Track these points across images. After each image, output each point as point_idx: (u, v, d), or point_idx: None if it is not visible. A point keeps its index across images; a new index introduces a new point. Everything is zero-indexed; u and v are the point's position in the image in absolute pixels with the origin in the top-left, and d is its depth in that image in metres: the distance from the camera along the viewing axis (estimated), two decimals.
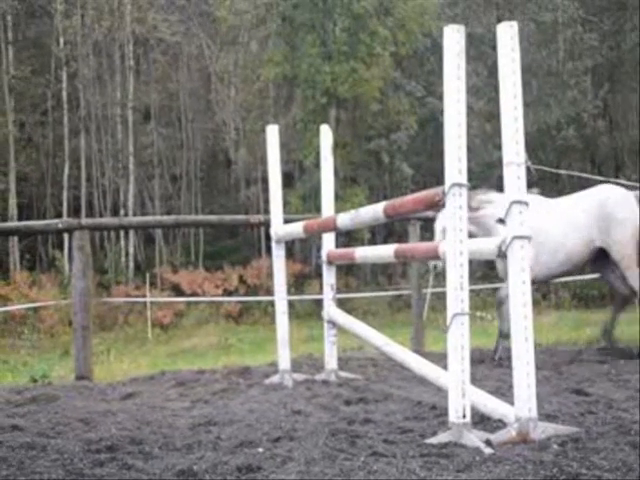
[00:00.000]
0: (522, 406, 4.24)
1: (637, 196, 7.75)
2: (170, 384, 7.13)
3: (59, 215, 25.11)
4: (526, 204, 4.40)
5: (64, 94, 27.84)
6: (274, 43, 26.41)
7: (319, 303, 11.25)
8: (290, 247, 12.62)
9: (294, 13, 24.94)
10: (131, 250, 26.84)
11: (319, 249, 7.67)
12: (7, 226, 11.74)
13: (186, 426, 5.05)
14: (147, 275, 22.28)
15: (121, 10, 27.86)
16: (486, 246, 4.74)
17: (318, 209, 7.85)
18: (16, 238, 25.25)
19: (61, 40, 27.82)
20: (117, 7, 27.90)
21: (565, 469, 3.53)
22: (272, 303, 9.00)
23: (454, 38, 4.43)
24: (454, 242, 4.39)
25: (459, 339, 4.32)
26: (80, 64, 27.82)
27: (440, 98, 5.21)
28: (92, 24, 27.60)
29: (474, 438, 4.17)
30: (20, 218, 25.30)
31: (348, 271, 23.18)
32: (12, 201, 26.34)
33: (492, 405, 4.59)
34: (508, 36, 4.39)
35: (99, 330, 16.43)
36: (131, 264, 26.45)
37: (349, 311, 7.76)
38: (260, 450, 4.28)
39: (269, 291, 17.84)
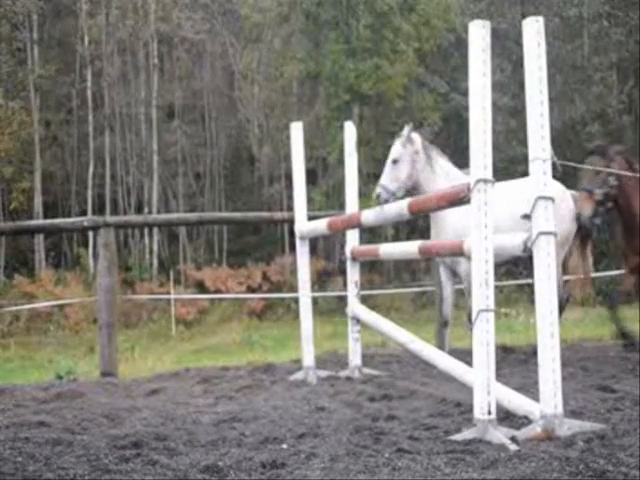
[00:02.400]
0: (548, 403, 4.22)
1: (574, 196, 7.56)
2: (194, 380, 7.15)
3: (84, 213, 25.26)
4: (552, 200, 4.37)
5: (89, 93, 27.98)
6: (298, 40, 26.42)
7: (342, 300, 11.24)
8: (314, 244, 12.59)
9: (318, 10, 24.92)
10: (155, 247, 26.95)
11: (343, 246, 7.66)
12: (33, 224, 11.82)
13: (210, 422, 5.06)
14: (171, 272, 22.36)
15: (145, 9, 27.94)
16: (511, 242, 4.71)
17: (342, 206, 7.84)
18: (42, 236, 25.42)
19: (86, 39, 27.96)
20: (141, 6, 27.98)
21: (591, 466, 3.50)
22: (295, 300, 9.01)
23: (479, 34, 4.41)
24: (479, 238, 4.37)
25: (484, 335, 4.29)
26: (105, 63, 27.95)
27: (464, 94, 5.21)
28: (116, 23, 27.71)
29: (499, 435, 4.15)
30: (45, 216, 25.47)
31: (372, 268, 23.15)
32: (38, 199, 26.52)
33: (517, 402, 4.56)
34: (534, 31, 4.37)
35: (123, 327, 16.49)
36: (155, 261, 26.55)
37: (373, 308, 7.74)
38: (284, 446, 4.29)
39: (293, 288, 17.87)
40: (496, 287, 4.61)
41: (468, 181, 4.49)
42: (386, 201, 7.02)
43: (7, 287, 22.91)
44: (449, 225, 7.09)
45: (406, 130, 7.35)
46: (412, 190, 7.29)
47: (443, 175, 7.38)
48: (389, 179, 7.28)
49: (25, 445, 4.50)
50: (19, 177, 26.81)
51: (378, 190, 7.32)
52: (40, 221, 18.18)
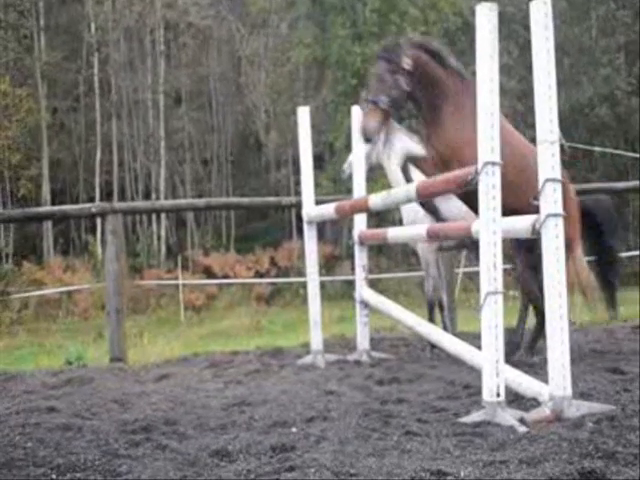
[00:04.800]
0: (557, 384, 4.21)
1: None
2: (203, 365, 7.16)
3: (91, 200, 25.31)
4: (560, 182, 4.36)
5: (95, 80, 28.00)
6: (304, 25, 26.34)
7: (350, 284, 11.25)
8: (321, 229, 12.58)
9: None
10: (163, 233, 27.01)
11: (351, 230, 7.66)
12: (41, 211, 11.84)
13: (220, 407, 5.07)
14: (179, 258, 22.41)
15: None
16: (520, 224, 4.70)
17: (349, 191, 7.83)
18: (50, 223, 25.49)
19: (92, 26, 27.97)
20: None
21: (601, 447, 3.49)
22: (303, 285, 9.02)
23: (487, 16, 4.39)
24: (487, 221, 4.36)
25: (493, 318, 4.29)
26: (111, 49, 27.94)
27: (472, 77, 5.19)
28: (123, 10, 27.69)
29: (508, 417, 4.15)
30: (53, 203, 25.54)
31: (379, 252, 23.15)
32: (45, 186, 26.59)
33: (526, 384, 4.56)
34: (542, 13, 4.34)
35: (132, 313, 16.54)
36: (163, 247, 26.61)
37: (381, 292, 7.76)
38: (294, 430, 4.29)
39: (300, 273, 17.91)
40: (504, 270, 4.60)
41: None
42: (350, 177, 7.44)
43: (16, 274, 22.98)
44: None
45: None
46: (377, 168, 7.64)
47: (403, 154, 7.41)
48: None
49: (35, 430, 4.52)
50: (27, 164, 26.89)
51: (345, 166, 7.69)
52: (48, 208, 18.21)
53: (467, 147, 5.52)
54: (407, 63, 5.79)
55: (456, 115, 5.79)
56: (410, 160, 6.40)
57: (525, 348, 6.49)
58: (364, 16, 24.26)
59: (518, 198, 5.41)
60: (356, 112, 7.22)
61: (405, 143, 7.33)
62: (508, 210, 5.24)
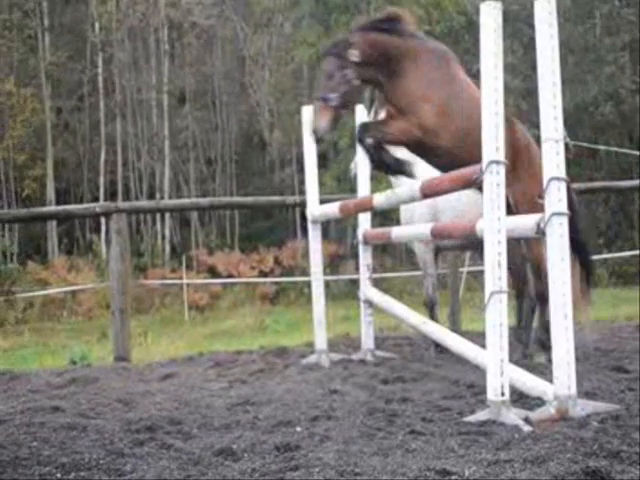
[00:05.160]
0: (561, 384, 4.21)
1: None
2: (208, 365, 7.17)
3: (96, 199, 25.35)
4: (565, 181, 4.35)
5: (100, 79, 28.03)
6: (308, 24, 26.32)
7: (355, 283, 11.24)
8: (325, 228, 12.60)
9: None
10: (167, 233, 27.03)
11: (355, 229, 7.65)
12: (46, 211, 11.86)
13: (224, 406, 5.07)
14: (183, 258, 22.42)
15: None
16: (524, 223, 4.69)
17: (353, 190, 7.83)
18: (54, 223, 25.52)
19: (96, 26, 28.00)
20: None
21: (605, 446, 3.49)
22: (308, 284, 9.02)
23: (491, 14, 4.39)
24: (491, 220, 4.36)
25: (497, 317, 4.29)
26: (115, 49, 27.97)
27: (475, 77, 5.18)
28: (127, 9, 27.71)
29: (513, 416, 4.15)
30: (58, 203, 25.57)
31: (383, 251, 23.15)
32: (50, 186, 26.62)
33: (531, 383, 4.55)
34: (546, 12, 4.34)
35: (136, 313, 16.57)
36: (167, 247, 26.63)
37: (385, 291, 7.74)
38: (298, 429, 4.30)
39: (304, 272, 17.90)
40: (508, 269, 4.60)
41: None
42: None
43: (21, 274, 23.01)
44: (423, 205, 7.11)
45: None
46: None
47: (403, 153, 7.42)
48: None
49: (40, 430, 4.53)
50: (31, 164, 26.94)
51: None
52: (53, 207, 18.25)
53: (422, 100, 5.54)
54: (354, 55, 5.64)
55: (413, 72, 5.66)
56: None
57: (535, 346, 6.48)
58: (368, 15, 24.24)
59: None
60: (360, 111, 7.22)
61: None
62: (467, 160, 5.28)
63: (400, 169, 5.82)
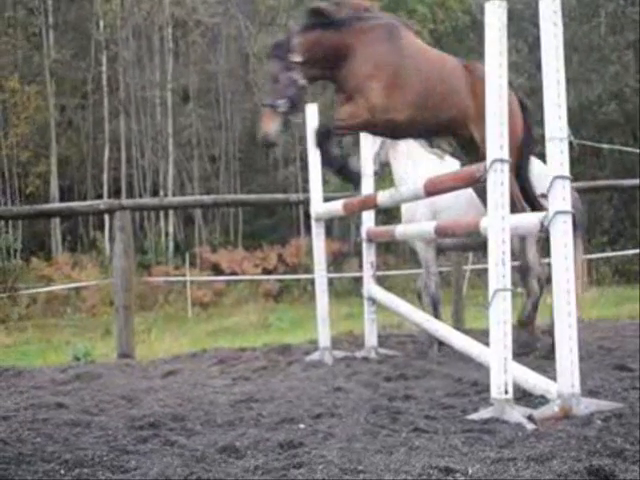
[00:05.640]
0: (565, 382, 4.21)
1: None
2: (211, 362, 7.18)
3: (99, 197, 25.36)
4: (569, 179, 4.35)
5: (104, 77, 28.04)
6: None
7: (358, 281, 11.24)
8: (329, 225, 12.57)
9: None
10: (171, 230, 27.04)
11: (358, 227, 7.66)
12: (50, 208, 11.87)
13: (228, 403, 5.08)
14: (187, 255, 22.43)
15: None
16: (528, 221, 4.70)
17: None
18: (58, 220, 25.54)
19: (101, 23, 28.00)
20: None
21: (609, 445, 3.49)
22: (311, 281, 9.04)
23: (496, 13, 4.40)
24: (496, 218, 4.36)
25: (501, 315, 4.29)
26: (120, 47, 27.97)
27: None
28: (131, 7, 27.71)
29: (516, 414, 4.15)
30: (62, 200, 25.59)
31: (387, 249, 23.14)
32: (54, 183, 26.64)
33: (534, 381, 4.55)
34: (551, 11, 4.34)
35: (139, 310, 16.57)
36: (171, 244, 26.64)
37: (388, 289, 7.75)
38: (301, 427, 4.30)
39: (308, 270, 17.92)
40: (513, 267, 4.60)
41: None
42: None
43: (24, 270, 23.05)
44: (423, 204, 7.12)
45: None
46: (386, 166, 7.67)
47: (406, 153, 7.46)
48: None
49: (44, 426, 4.54)
50: (35, 161, 26.96)
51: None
52: (57, 204, 18.27)
53: (369, 80, 5.44)
54: (297, 56, 5.52)
55: (359, 55, 5.55)
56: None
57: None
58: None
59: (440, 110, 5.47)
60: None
61: (409, 143, 7.39)
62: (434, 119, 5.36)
63: (348, 175, 5.80)
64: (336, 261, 22.02)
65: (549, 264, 4.51)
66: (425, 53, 5.71)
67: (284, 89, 5.49)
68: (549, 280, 6.17)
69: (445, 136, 6.17)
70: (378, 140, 7.39)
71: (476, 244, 7.43)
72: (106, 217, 24.04)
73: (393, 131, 5.81)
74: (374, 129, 5.78)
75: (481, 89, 5.45)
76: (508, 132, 5.21)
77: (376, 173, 7.54)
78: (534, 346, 6.84)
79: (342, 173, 5.79)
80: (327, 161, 5.75)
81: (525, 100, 6.16)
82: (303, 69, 5.51)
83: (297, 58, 5.48)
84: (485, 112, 5.22)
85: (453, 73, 5.66)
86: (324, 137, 5.61)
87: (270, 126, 5.47)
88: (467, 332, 6.72)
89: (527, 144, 5.98)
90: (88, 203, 10.31)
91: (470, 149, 5.81)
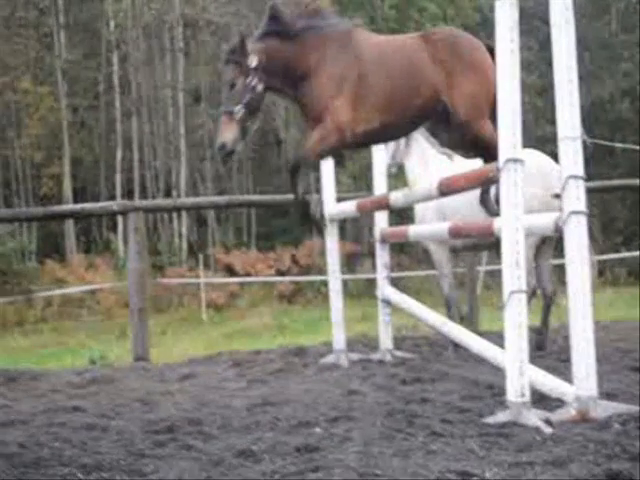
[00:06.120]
0: (582, 385, 4.20)
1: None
2: (227, 365, 7.18)
3: (112, 198, 25.38)
4: (582, 179, 4.34)
5: (115, 77, 28.09)
6: None
7: (372, 282, 11.22)
8: (342, 226, 12.51)
9: None
10: (184, 231, 27.06)
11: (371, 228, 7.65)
12: (64, 209, 11.90)
13: (244, 406, 5.08)
14: (200, 256, 22.44)
15: None
16: (542, 222, 4.68)
17: (369, 188, 7.82)
18: (72, 221, 25.60)
19: (111, 23, 28.04)
20: None
21: (627, 448, 3.48)
22: (325, 283, 9.01)
23: (506, 11, 4.38)
24: (509, 218, 4.35)
25: (516, 317, 4.28)
26: (130, 47, 28.02)
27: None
28: (142, 7, 27.75)
29: (533, 417, 4.14)
30: (75, 201, 25.64)
31: (400, 250, 23.09)
32: (67, 184, 26.70)
33: (551, 384, 4.53)
34: (561, 8, 4.32)
35: (154, 312, 16.61)
36: (184, 245, 26.65)
37: (403, 290, 7.73)
38: (318, 430, 4.30)
39: (321, 271, 17.88)
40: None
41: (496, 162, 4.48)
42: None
43: (39, 273, 23.10)
44: (432, 206, 7.13)
45: None
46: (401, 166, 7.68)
47: (420, 158, 7.46)
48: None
49: (61, 430, 4.57)
50: (48, 162, 27.02)
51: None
52: (70, 206, 18.28)
53: (332, 99, 5.32)
54: (254, 61, 5.39)
55: (315, 73, 5.42)
56: None
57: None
58: (383, 12, 24.19)
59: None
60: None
61: (422, 144, 7.41)
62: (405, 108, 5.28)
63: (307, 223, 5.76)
64: (350, 262, 21.99)
65: (562, 265, 4.50)
66: (383, 48, 5.57)
67: (240, 95, 5.39)
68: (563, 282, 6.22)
69: (423, 122, 6.02)
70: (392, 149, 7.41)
71: (486, 244, 7.45)
72: (119, 218, 24.08)
73: (370, 141, 5.74)
74: (349, 146, 5.66)
75: (444, 52, 5.40)
76: (484, 82, 5.25)
77: (392, 174, 7.56)
78: (545, 346, 6.87)
79: (303, 220, 5.73)
80: (294, 202, 5.66)
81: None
82: (260, 75, 5.40)
83: (254, 63, 5.37)
84: (454, 70, 5.27)
85: (414, 54, 5.47)
86: (295, 171, 5.51)
87: (227, 134, 5.35)
88: (482, 334, 6.72)
89: None
90: (102, 204, 10.34)
91: (448, 126, 5.64)
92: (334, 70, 5.38)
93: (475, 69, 5.40)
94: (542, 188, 6.41)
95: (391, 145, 7.35)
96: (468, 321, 7.61)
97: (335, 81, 5.37)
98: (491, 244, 7.17)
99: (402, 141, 7.28)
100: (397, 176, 7.94)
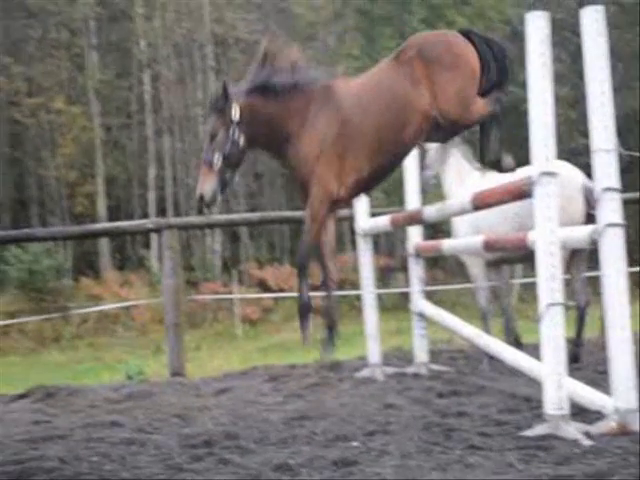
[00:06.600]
0: (621, 397, 4.16)
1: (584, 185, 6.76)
2: (262, 379, 7.20)
3: (146, 215, 25.58)
4: (618, 191, 4.31)
5: (147, 96, 28.34)
6: (352, 37, 26.36)
7: (405, 296, 11.20)
8: (375, 240, 12.50)
9: (371, 6, 24.86)
10: (217, 247, 27.17)
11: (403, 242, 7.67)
12: (99, 228, 11.99)
13: (280, 420, 5.09)
14: (234, 272, 22.52)
15: (200, 11, 28.19)
16: (577, 234, 4.66)
17: (401, 202, 7.83)
18: (106, 239, 25.81)
19: (142, 43, 28.32)
20: (196, 8, 28.24)
21: None
22: (358, 297, 9.01)
23: (537, 24, 4.38)
24: (544, 231, 4.34)
25: (553, 330, 4.26)
26: (161, 66, 28.27)
27: (521, 86, 5.13)
28: (172, 26, 28.00)
29: (572, 430, 4.11)
30: (109, 219, 25.86)
31: (434, 264, 23.02)
32: (101, 203, 26.95)
33: (589, 396, 4.50)
34: (593, 20, 4.30)
35: (189, 327, 16.70)
36: (218, 261, 26.76)
37: (437, 303, 7.71)
38: (355, 444, 4.30)
39: (354, 285, 17.89)
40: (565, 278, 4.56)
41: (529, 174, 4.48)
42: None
43: (75, 290, 23.33)
44: (466, 219, 7.12)
45: None
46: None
47: (455, 172, 7.53)
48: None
49: (100, 445, 4.61)
50: (82, 181, 27.28)
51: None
52: (106, 224, 18.44)
53: (318, 161, 5.30)
54: (237, 114, 5.31)
55: (299, 134, 5.39)
56: None
57: None
58: (412, 27, 24.21)
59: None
60: None
61: (458, 159, 7.43)
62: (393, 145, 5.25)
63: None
64: (383, 276, 21.96)
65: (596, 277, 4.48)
66: (363, 91, 5.48)
67: (221, 146, 5.33)
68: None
69: (418, 144, 5.97)
70: (431, 152, 7.43)
71: (517, 257, 7.43)
72: (153, 235, 24.24)
73: (366, 186, 5.64)
74: (346, 199, 5.61)
75: (419, 67, 5.30)
76: (466, 71, 5.26)
77: (427, 188, 7.57)
78: (580, 358, 6.83)
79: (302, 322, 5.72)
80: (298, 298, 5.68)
81: (475, 33, 5.64)
82: (243, 128, 5.35)
83: (236, 117, 5.31)
84: (434, 79, 5.23)
85: (394, 84, 5.37)
86: (302, 267, 5.61)
87: (205, 186, 5.27)
88: (520, 346, 6.69)
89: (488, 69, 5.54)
90: (136, 222, 10.42)
91: (438, 128, 5.56)
92: (316, 132, 5.32)
93: (454, 63, 5.33)
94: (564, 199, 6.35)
95: (428, 156, 7.40)
96: (513, 336, 7.56)
97: (318, 143, 5.31)
98: (520, 257, 7.19)
99: (436, 151, 7.28)
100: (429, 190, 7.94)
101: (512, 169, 5.66)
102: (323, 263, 6.09)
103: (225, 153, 5.32)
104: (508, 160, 5.67)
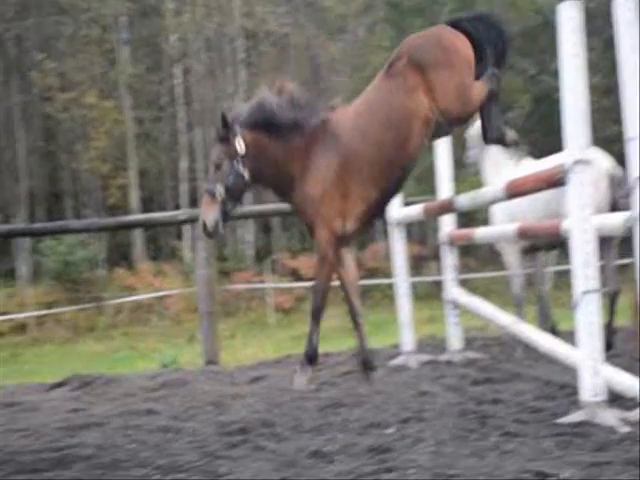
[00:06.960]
0: None
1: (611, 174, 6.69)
2: (296, 367, 7.20)
3: (177, 207, 25.73)
4: None
5: (178, 90, 28.47)
6: (382, 29, 26.25)
7: (438, 284, 11.17)
8: (408, 229, 12.46)
9: None
10: (250, 238, 27.26)
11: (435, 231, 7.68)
12: (133, 219, 12.14)
13: (314, 408, 5.10)
14: (267, 261, 22.60)
15: (230, 5, 28.24)
16: (612, 222, 4.61)
17: (432, 191, 7.81)
18: (139, 230, 26.03)
19: (173, 37, 28.45)
20: (226, 2, 28.30)
21: None
22: (390, 285, 9.01)
23: (569, 14, 4.33)
24: (579, 219, 4.31)
25: (588, 317, 4.23)
26: (192, 60, 28.38)
27: (553, 75, 5.09)
28: (202, 20, 28.08)
29: (609, 417, 4.08)
30: (143, 211, 26.06)
31: (467, 252, 22.94)
32: (134, 195, 27.15)
33: (626, 382, 4.45)
34: (625, 9, 4.25)
35: (222, 316, 16.79)
36: (250, 251, 26.85)
37: (470, 291, 7.69)
38: (389, 431, 4.30)
39: (387, 274, 17.86)
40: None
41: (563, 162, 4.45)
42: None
43: (108, 280, 23.55)
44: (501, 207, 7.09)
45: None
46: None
47: (493, 162, 7.54)
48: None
49: (136, 432, 4.65)
50: (115, 174, 27.52)
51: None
52: (139, 216, 18.60)
53: (323, 198, 5.36)
54: (242, 147, 5.38)
55: (302, 174, 5.45)
56: None
57: None
58: (442, 17, 24.07)
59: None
60: None
61: (495, 148, 7.42)
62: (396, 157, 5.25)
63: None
64: (416, 264, 21.92)
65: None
66: (360, 116, 5.47)
67: (225, 176, 5.38)
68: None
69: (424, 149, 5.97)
70: (473, 138, 7.46)
71: (547, 245, 7.39)
72: (186, 226, 24.39)
73: (377, 212, 5.68)
74: (358, 236, 5.70)
75: (412, 75, 5.25)
76: (462, 64, 5.22)
77: (473, 167, 7.83)
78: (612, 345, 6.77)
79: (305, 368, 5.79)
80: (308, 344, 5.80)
81: (463, 20, 5.58)
82: (247, 161, 5.40)
83: (242, 150, 5.37)
84: (430, 82, 5.20)
85: (391, 98, 5.35)
86: (316, 315, 5.86)
87: (208, 215, 5.36)
88: (556, 333, 6.66)
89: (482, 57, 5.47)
90: (170, 214, 10.48)
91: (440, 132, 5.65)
92: (318, 173, 5.36)
93: (447, 59, 5.29)
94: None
95: (469, 136, 7.64)
96: (549, 323, 7.55)
97: (320, 184, 5.36)
98: (549, 244, 7.18)
99: (479, 141, 7.25)
100: (459, 178, 7.95)
101: (516, 143, 5.66)
102: (350, 305, 6.34)
103: (228, 185, 5.39)
104: (511, 134, 5.67)
